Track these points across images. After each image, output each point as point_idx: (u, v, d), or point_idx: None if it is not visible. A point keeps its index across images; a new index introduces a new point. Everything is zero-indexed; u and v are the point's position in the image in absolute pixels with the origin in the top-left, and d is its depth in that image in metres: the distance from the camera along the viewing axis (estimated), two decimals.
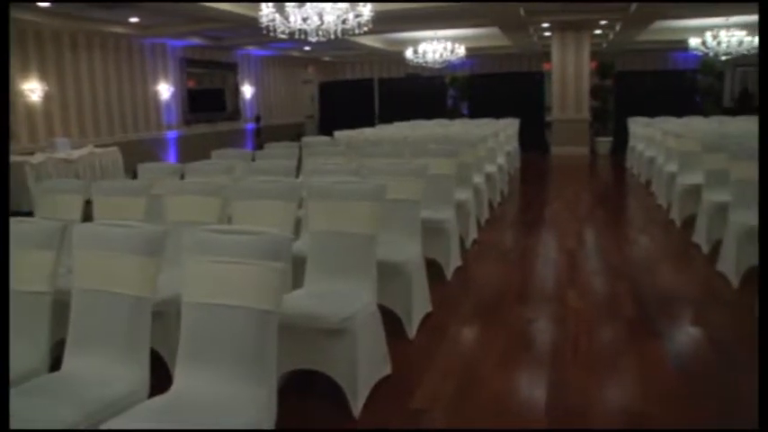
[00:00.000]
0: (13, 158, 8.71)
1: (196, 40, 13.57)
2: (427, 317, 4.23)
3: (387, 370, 3.38)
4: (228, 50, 15.72)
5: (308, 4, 7.41)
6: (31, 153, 9.55)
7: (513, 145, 11.67)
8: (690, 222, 6.40)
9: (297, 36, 7.75)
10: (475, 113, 16.23)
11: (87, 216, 3.95)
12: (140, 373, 2.38)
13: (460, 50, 14.67)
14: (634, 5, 10.91)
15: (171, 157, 13.65)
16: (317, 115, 20.10)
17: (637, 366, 3.48)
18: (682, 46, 14.72)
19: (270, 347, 2.27)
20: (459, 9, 10.80)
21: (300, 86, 20.13)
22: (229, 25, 11.47)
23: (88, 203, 4.15)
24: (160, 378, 2.62)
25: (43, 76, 10.52)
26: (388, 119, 15.19)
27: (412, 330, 3.94)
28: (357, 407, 2.99)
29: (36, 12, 9.53)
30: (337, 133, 9.64)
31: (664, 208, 7.79)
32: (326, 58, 20.38)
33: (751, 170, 4.77)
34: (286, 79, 19.22)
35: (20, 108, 10.02)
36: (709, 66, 15.56)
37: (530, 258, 5.91)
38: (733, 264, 4.73)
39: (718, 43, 13.18)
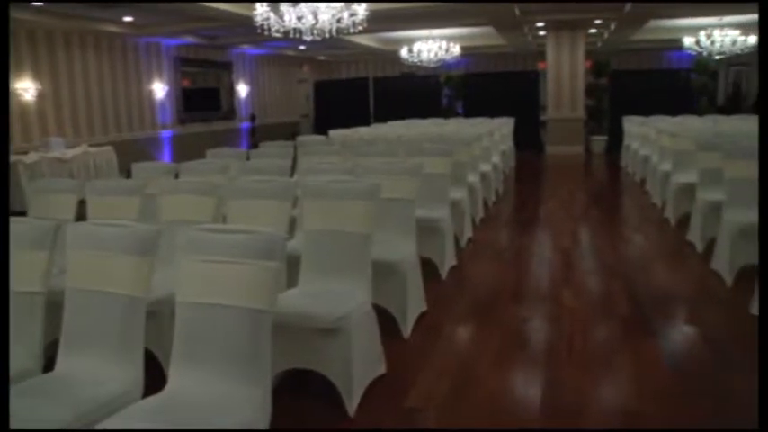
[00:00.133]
0: None
1: (190, 39, 13.53)
2: (422, 316, 4.23)
3: (381, 369, 3.38)
4: (223, 49, 15.69)
5: (303, 2, 7.40)
6: (25, 153, 9.51)
7: (507, 144, 11.68)
8: (684, 221, 6.42)
9: (292, 35, 7.74)
10: (470, 112, 16.23)
11: (81, 216, 3.94)
12: (134, 373, 2.38)
13: (455, 49, 14.66)
14: (628, 5, 10.93)
15: (165, 157, 13.61)
16: (311, 114, 20.07)
17: (631, 365, 3.49)
18: (676, 45, 14.76)
19: (264, 347, 2.26)
20: (453, 8, 10.80)
21: (295, 85, 20.11)
22: (224, 24, 11.44)
23: (82, 203, 4.14)
24: (154, 378, 2.61)
25: (36, 76, 10.47)
26: (382, 118, 15.17)
27: (407, 329, 3.94)
28: (352, 406, 2.99)
29: (29, 10, 9.47)
30: (332, 132, 9.63)
31: (658, 207, 7.81)
32: (321, 57, 20.36)
33: (744, 169, 4.80)
34: (281, 78, 19.20)
35: (13, 107, 9.97)
36: (703, 65, 15.60)
37: (524, 257, 5.92)
38: (727, 262, 4.75)
39: (712, 43, 13.23)
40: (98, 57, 11.93)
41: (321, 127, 16.73)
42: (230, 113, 16.27)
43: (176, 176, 4.83)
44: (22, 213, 4.58)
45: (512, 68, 19.03)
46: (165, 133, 13.85)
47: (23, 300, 2.62)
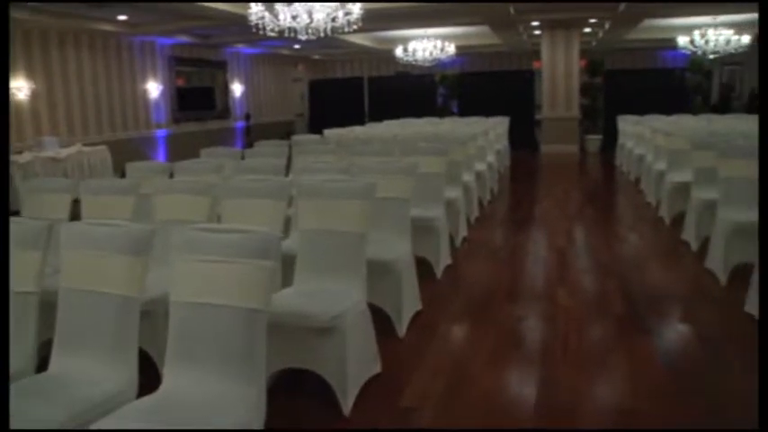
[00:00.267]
0: None
1: (185, 38, 13.50)
2: (417, 315, 4.23)
3: (377, 368, 3.38)
4: (218, 48, 15.66)
5: (297, 2, 7.39)
6: (19, 152, 9.46)
7: (502, 143, 11.69)
8: (679, 220, 6.43)
9: (286, 34, 7.73)
10: (465, 112, 16.22)
11: (75, 215, 3.92)
12: (128, 373, 2.37)
13: (450, 49, 14.67)
14: (623, 5, 10.96)
15: (160, 156, 13.58)
16: (306, 113, 20.05)
17: (626, 363, 3.49)
18: (670, 44, 14.79)
19: (259, 346, 2.26)
20: (448, 7, 10.81)
21: (290, 84, 20.08)
22: (218, 23, 11.42)
23: (76, 202, 4.12)
24: (149, 378, 2.60)
25: (30, 75, 10.43)
26: (378, 117, 15.17)
27: (402, 329, 3.94)
28: (347, 405, 2.99)
29: (23, 9, 9.43)
30: (327, 131, 9.62)
31: (653, 205, 7.83)
32: (316, 57, 20.34)
33: (739, 168, 4.81)
34: (276, 77, 19.17)
35: None
36: (698, 64, 15.66)
37: (519, 256, 5.93)
38: (721, 261, 4.76)
39: (706, 42, 13.27)
40: (92, 56, 11.89)
41: (316, 126, 16.69)
42: (225, 113, 16.24)
43: (171, 176, 4.81)
44: (16, 213, 4.56)
45: (507, 67, 19.05)
46: (160, 132, 13.82)
47: (17, 300, 2.61)
